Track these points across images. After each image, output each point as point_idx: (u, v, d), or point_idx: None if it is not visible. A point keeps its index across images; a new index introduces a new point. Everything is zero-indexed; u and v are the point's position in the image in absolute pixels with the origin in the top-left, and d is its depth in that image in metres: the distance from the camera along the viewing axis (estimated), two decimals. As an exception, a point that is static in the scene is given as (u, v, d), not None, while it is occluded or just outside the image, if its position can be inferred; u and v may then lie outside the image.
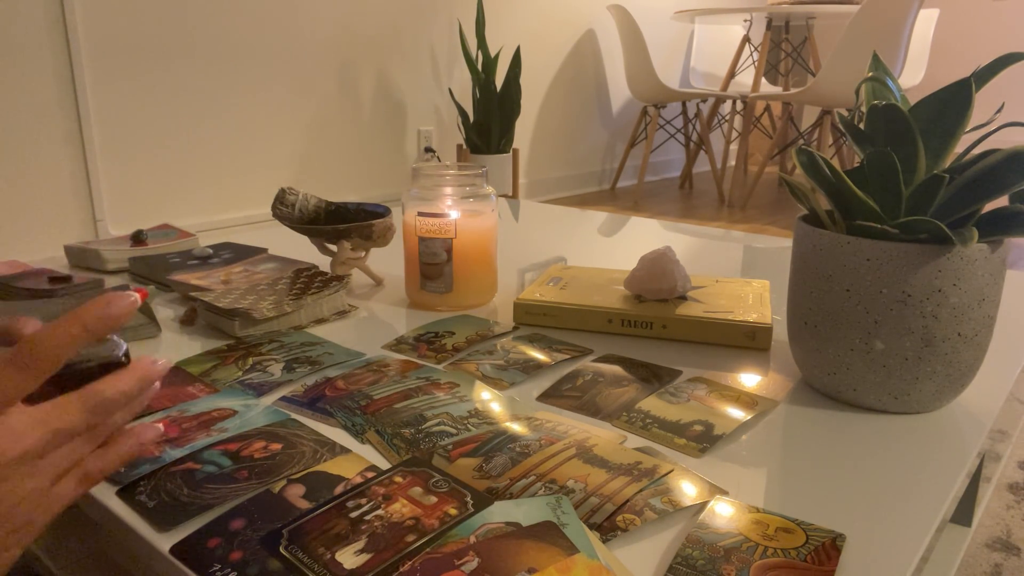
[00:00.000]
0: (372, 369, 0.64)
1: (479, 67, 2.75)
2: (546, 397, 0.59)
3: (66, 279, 0.82)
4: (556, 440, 0.51)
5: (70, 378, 0.37)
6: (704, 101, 3.66)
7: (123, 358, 0.40)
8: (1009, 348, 0.70)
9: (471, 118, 2.80)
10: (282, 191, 0.90)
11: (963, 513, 0.85)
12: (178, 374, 0.63)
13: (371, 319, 0.79)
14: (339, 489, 0.45)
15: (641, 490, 0.45)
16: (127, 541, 0.43)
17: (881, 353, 0.54)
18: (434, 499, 0.43)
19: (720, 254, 1.07)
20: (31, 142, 1.86)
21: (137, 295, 0.37)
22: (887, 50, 2.67)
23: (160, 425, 0.42)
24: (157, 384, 0.40)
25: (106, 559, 0.62)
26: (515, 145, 2.92)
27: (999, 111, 0.58)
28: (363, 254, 0.90)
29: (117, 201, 2.05)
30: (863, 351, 0.55)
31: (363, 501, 0.43)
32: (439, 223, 0.78)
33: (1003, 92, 4.19)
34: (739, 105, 3.90)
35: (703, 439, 0.52)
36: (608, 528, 0.42)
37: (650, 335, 0.73)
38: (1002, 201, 0.54)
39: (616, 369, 0.64)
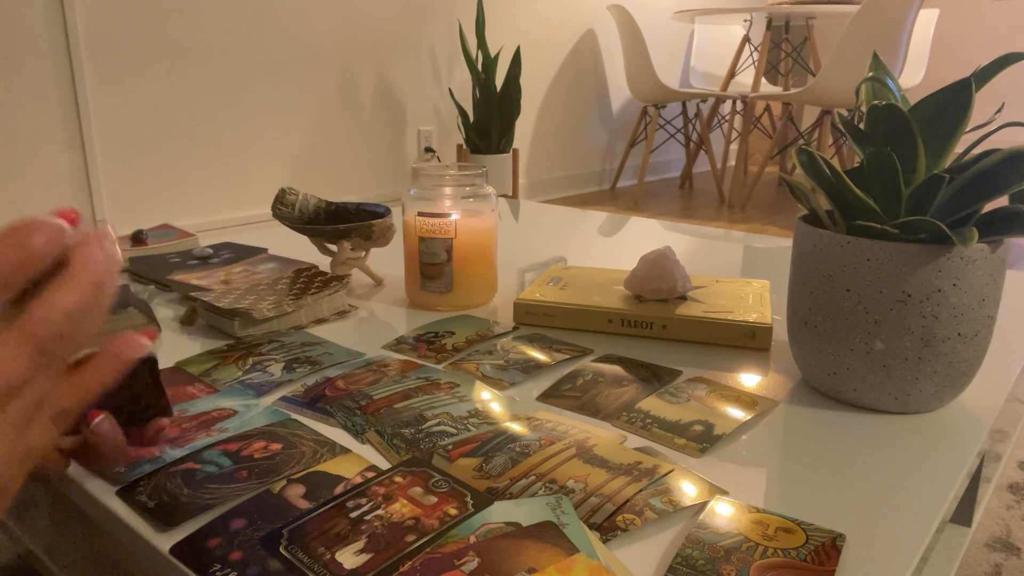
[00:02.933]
0: (372, 369, 0.64)
1: (479, 67, 2.75)
2: (546, 397, 0.59)
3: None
4: (556, 440, 0.51)
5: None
6: (704, 101, 3.66)
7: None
8: (1009, 348, 0.70)
9: (471, 118, 2.80)
10: (282, 191, 0.90)
11: (963, 513, 0.85)
12: (178, 374, 0.63)
13: (371, 319, 0.79)
14: (339, 489, 0.45)
15: (641, 490, 0.45)
16: (127, 541, 0.43)
17: (881, 353, 0.54)
18: (434, 499, 0.43)
19: (720, 254, 1.07)
20: (31, 142, 1.86)
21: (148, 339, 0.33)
22: (887, 50, 2.67)
23: (145, 339, 0.34)
24: (105, 246, 0.32)
25: (106, 559, 0.62)
26: (515, 145, 2.92)
27: (999, 111, 0.58)
28: (363, 254, 0.90)
29: (117, 201, 2.05)
30: (863, 351, 0.55)
31: (363, 501, 0.43)
32: (439, 223, 0.78)
33: (1003, 92, 4.19)
34: (739, 105, 3.90)
35: (703, 439, 0.52)
36: (608, 528, 0.42)
37: (650, 335, 0.73)
38: (1002, 201, 0.54)
39: (616, 369, 0.64)
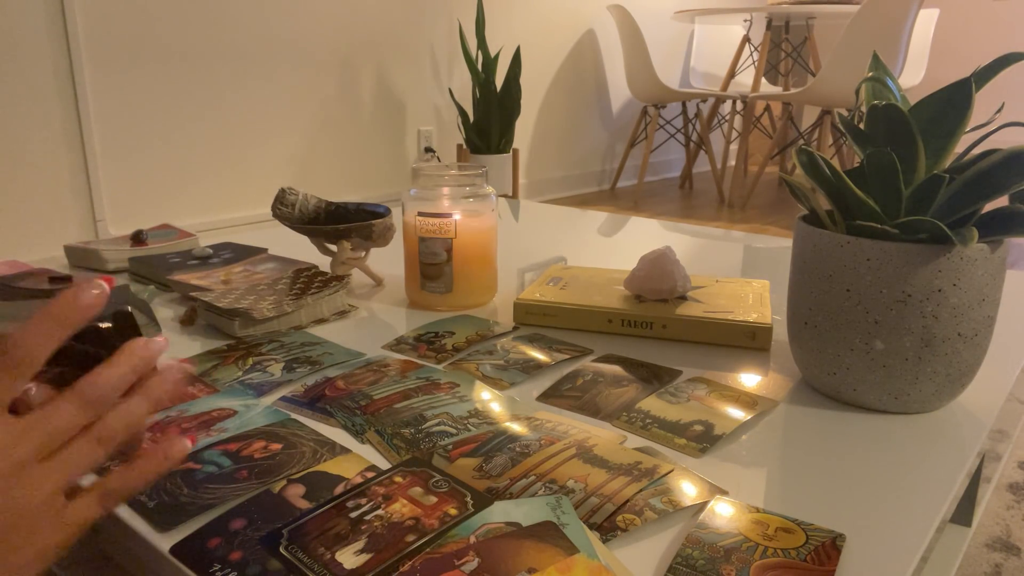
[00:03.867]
0: (372, 369, 0.64)
1: (479, 67, 2.75)
2: (546, 397, 0.59)
3: (66, 279, 0.82)
4: (556, 440, 0.51)
5: (63, 366, 0.36)
6: (704, 101, 3.66)
7: (102, 324, 0.38)
8: (1009, 348, 0.70)
9: (471, 118, 2.80)
10: (282, 191, 0.90)
11: (963, 513, 0.85)
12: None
13: (371, 319, 0.79)
14: (339, 489, 0.45)
15: (641, 490, 0.45)
16: (127, 541, 0.43)
17: (881, 353, 0.54)
18: (434, 499, 0.43)
19: (720, 254, 1.07)
20: (31, 142, 1.86)
21: (105, 284, 0.36)
22: (887, 50, 2.67)
23: (188, 441, 0.39)
24: (176, 367, 0.38)
25: (106, 559, 0.62)
26: (515, 145, 2.92)
27: (999, 111, 0.58)
28: (363, 254, 0.90)
29: (117, 201, 2.05)
30: (863, 351, 0.55)
31: (363, 501, 0.43)
32: (439, 223, 0.78)
33: (1003, 92, 4.19)
34: (739, 105, 3.90)
35: (703, 439, 0.52)
36: (608, 528, 0.42)
37: (650, 335, 0.73)
38: (1002, 201, 0.54)
39: (616, 369, 0.64)
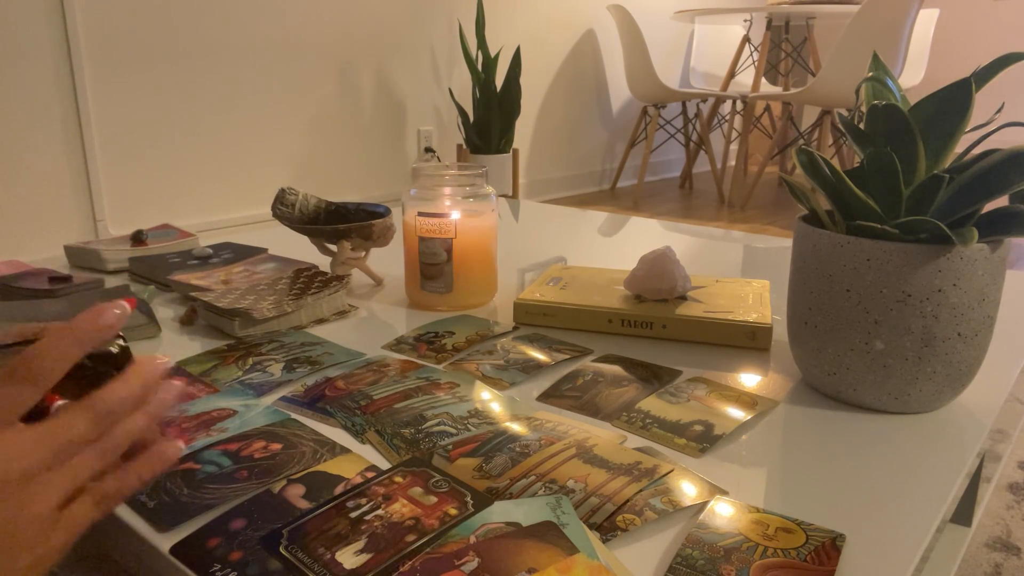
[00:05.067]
0: (372, 369, 0.64)
1: (479, 67, 2.75)
2: (546, 397, 0.59)
3: (66, 279, 0.82)
4: (556, 440, 0.51)
5: (71, 381, 0.37)
6: (704, 101, 3.66)
7: (112, 348, 0.40)
8: (1009, 348, 0.70)
9: (471, 118, 2.80)
10: (282, 191, 0.90)
11: (963, 513, 0.85)
12: (178, 374, 0.63)
13: (371, 319, 0.79)
14: (339, 489, 0.45)
15: (641, 490, 0.45)
16: (127, 541, 0.43)
17: (881, 353, 0.54)
18: (434, 499, 0.43)
19: (720, 254, 1.07)
20: (31, 142, 1.86)
21: (127, 304, 0.37)
22: (887, 50, 2.67)
23: (181, 443, 0.40)
24: (174, 386, 0.39)
25: (106, 559, 0.62)
26: (515, 145, 2.92)
27: (999, 111, 0.58)
28: (363, 254, 0.90)
29: (117, 201, 2.05)
30: (863, 351, 0.55)
31: (363, 501, 0.43)
32: (439, 223, 0.78)
33: (1003, 92, 4.19)
34: (739, 105, 3.90)
35: (703, 439, 0.52)
36: (608, 528, 0.42)
37: (650, 335, 0.73)
38: (1002, 201, 0.54)
39: (616, 369, 0.64)
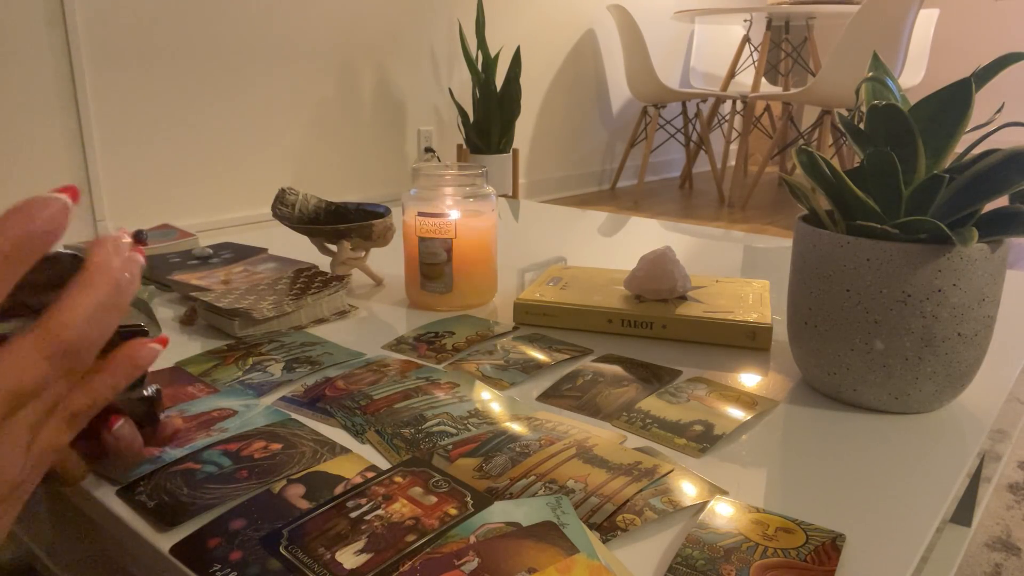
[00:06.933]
0: (372, 369, 0.64)
1: (479, 67, 2.75)
2: (546, 397, 0.59)
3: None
4: (556, 440, 0.51)
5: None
6: (704, 101, 3.66)
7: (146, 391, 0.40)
8: (1009, 348, 0.70)
9: (471, 118, 2.80)
10: (282, 191, 0.90)
11: (963, 513, 0.85)
12: (178, 374, 0.63)
13: (371, 319, 0.79)
14: (339, 489, 0.45)
15: (641, 490, 0.45)
16: (127, 541, 0.43)
17: (881, 353, 0.54)
18: (434, 499, 0.43)
19: (720, 254, 1.07)
20: (31, 142, 1.86)
21: (66, 196, 0.30)
22: (887, 50, 2.67)
23: (158, 344, 0.34)
24: (137, 261, 0.32)
25: (106, 559, 0.62)
26: (515, 145, 2.92)
27: (999, 111, 0.58)
28: (363, 254, 0.90)
29: (117, 201, 2.05)
30: (863, 351, 0.55)
31: (363, 501, 0.43)
32: (439, 223, 0.78)
33: (1003, 92, 4.19)
34: (739, 105, 3.90)
35: (703, 439, 0.52)
36: (608, 528, 0.42)
37: (650, 335, 0.73)
38: (1002, 201, 0.54)
39: (616, 369, 0.64)
